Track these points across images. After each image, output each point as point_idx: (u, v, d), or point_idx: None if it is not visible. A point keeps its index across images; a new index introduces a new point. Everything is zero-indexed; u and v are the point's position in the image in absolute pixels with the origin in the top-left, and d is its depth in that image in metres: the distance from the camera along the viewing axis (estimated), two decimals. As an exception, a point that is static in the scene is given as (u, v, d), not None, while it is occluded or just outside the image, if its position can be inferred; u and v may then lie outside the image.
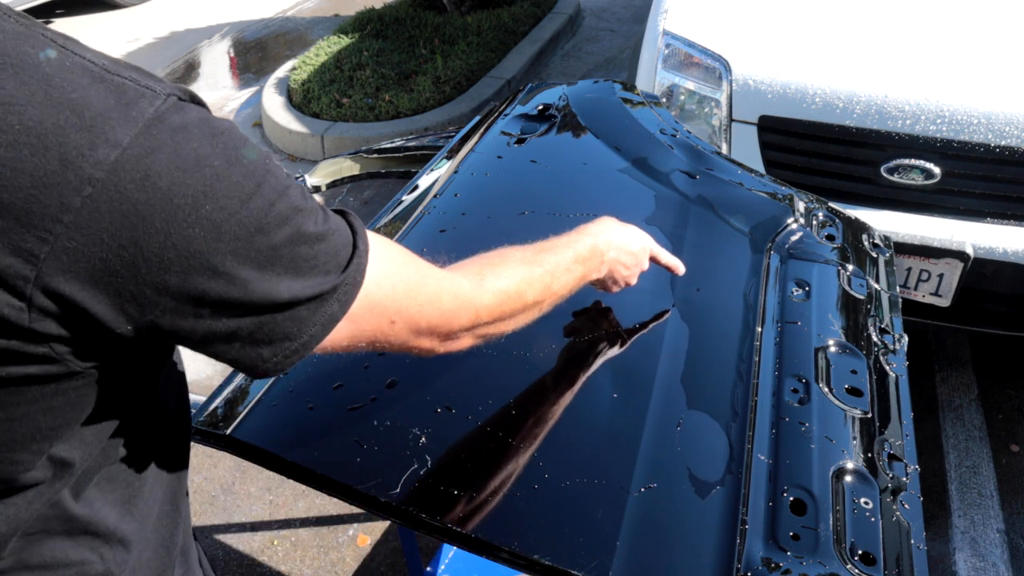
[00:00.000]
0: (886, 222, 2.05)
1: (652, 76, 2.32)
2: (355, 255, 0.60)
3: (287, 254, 0.55)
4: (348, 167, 1.84)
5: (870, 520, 0.84)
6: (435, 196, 1.31)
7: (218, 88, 4.97)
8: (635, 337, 1.05)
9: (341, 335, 0.61)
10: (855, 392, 1.02)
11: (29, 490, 0.58)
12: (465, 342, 0.75)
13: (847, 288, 1.21)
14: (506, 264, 0.79)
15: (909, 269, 2.07)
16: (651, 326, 1.08)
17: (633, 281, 1.03)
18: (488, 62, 4.61)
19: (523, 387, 0.96)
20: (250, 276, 0.53)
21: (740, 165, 1.44)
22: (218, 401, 0.91)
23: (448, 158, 1.48)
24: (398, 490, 0.80)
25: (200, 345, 0.56)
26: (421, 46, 4.71)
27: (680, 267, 1.09)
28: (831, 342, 1.09)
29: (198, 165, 0.50)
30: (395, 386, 0.93)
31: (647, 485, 0.83)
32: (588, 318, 1.07)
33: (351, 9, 5.89)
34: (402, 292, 0.65)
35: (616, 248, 0.96)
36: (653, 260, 1.06)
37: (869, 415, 0.99)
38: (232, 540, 2.12)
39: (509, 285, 0.77)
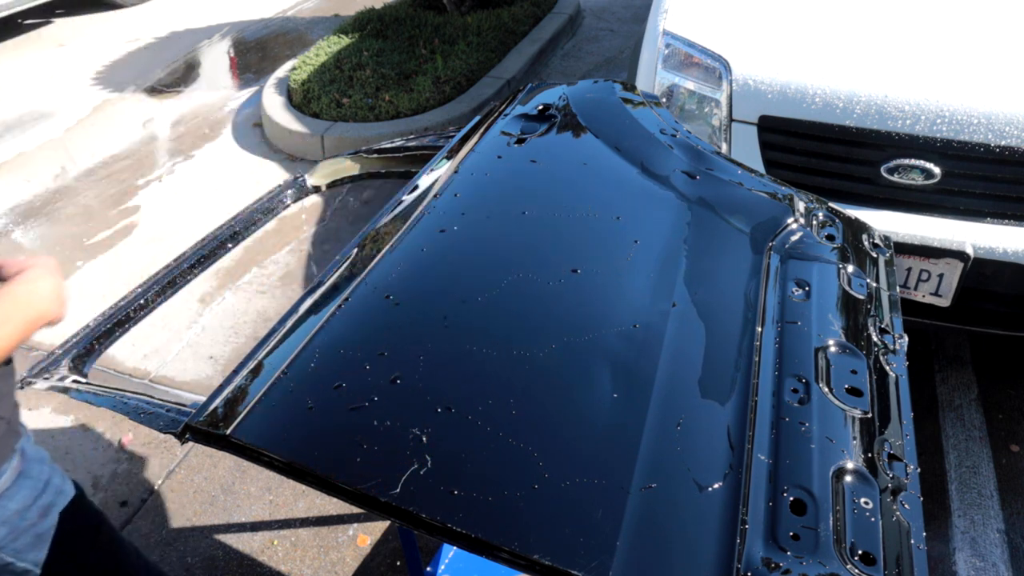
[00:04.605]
0: (886, 222, 2.05)
1: (652, 76, 2.32)
2: None
3: None
4: (348, 167, 1.84)
5: (870, 520, 0.84)
6: (435, 196, 1.31)
7: (218, 88, 4.96)
8: (635, 337, 1.05)
9: None
10: (855, 392, 1.02)
11: None
12: None
13: (847, 288, 1.21)
14: None
15: (909, 269, 2.07)
16: (651, 326, 1.07)
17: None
18: (488, 62, 4.61)
19: (523, 387, 0.96)
20: None
21: (740, 165, 1.44)
22: (218, 401, 0.91)
23: (448, 158, 1.48)
24: (398, 490, 0.80)
25: None
26: (421, 46, 4.71)
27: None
28: (831, 342, 1.09)
29: None
30: (395, 386, 0.93)
31: (647, 485, 0.83)
32: (587, 317, 1.06)
33: (351, 9, 5.90)
34: None
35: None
36: None
37: (869, 415, 0.99)
38: (232, 540, 2.12)
39: None
